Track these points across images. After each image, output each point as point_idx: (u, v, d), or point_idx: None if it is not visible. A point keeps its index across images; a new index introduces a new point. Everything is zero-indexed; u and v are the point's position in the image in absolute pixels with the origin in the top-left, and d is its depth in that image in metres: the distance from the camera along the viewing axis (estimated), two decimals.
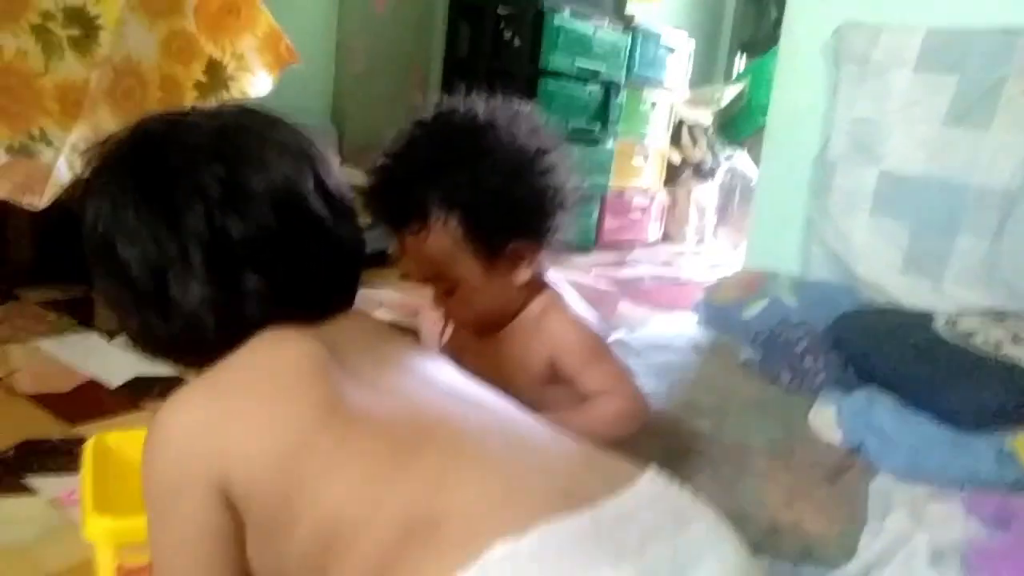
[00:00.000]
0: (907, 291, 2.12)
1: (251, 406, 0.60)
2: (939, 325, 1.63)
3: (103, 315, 1.88)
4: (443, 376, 0.71)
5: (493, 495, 0.56)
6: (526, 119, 0.99)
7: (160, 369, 1.53)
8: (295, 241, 0.66)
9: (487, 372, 0.82)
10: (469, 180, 0.93)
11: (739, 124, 3.71)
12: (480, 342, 1.09)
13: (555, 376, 1.06)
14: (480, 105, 0.98)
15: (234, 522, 0.60)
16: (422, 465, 0.58)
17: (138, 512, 0.64)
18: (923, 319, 1.68)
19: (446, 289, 1.00)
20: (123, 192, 0.64)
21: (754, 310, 2.11)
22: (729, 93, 3.86)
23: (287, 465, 0.58)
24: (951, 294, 2.09)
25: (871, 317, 1.72)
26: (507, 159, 0.95)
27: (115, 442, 1.03)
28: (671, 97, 4.13)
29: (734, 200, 4.33)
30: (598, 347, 1.07)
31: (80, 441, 1.11)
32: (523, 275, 1.02)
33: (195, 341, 0.66)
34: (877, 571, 1.15)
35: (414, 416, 0.62)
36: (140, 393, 1.57)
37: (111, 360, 1.70)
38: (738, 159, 4.27)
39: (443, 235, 0.95)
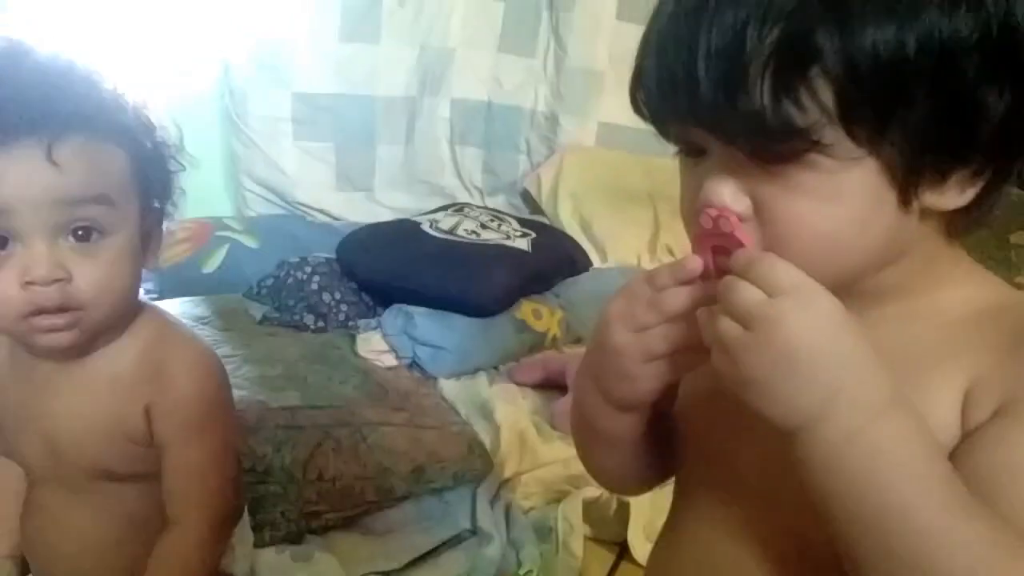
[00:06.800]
0: (344, 206, 2.21)
1: None
2: (426, 228, 1.74)
3: None
4: None
5: None
6: None
7: None
8: None
9: None
10: None
11: None
12: None
13: None
14: None
15: None
16: None
17: None
18: (410, 225, 1.77)
19: None
20: None
21: (215, 262, 1.92)
22: None
23: None
24: (381, 200, 2.25)
25: (366, 237, 1.74)
26: None
27: None
28: None
29: None
30: None
31: None
32: None
33: None
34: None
35: None
36: None
37: None
38: None
39: None
